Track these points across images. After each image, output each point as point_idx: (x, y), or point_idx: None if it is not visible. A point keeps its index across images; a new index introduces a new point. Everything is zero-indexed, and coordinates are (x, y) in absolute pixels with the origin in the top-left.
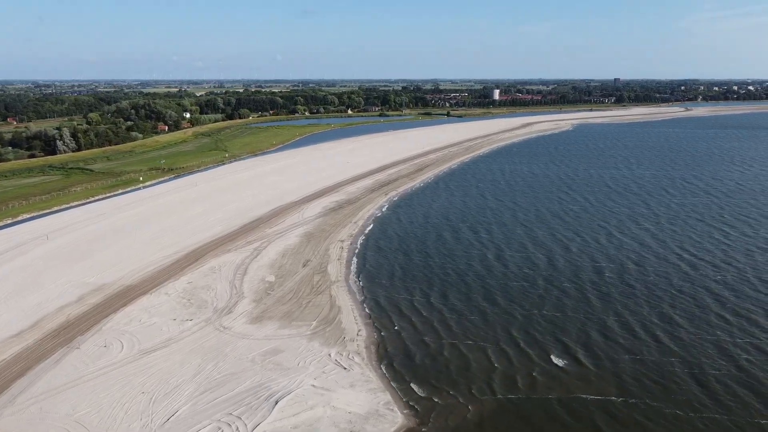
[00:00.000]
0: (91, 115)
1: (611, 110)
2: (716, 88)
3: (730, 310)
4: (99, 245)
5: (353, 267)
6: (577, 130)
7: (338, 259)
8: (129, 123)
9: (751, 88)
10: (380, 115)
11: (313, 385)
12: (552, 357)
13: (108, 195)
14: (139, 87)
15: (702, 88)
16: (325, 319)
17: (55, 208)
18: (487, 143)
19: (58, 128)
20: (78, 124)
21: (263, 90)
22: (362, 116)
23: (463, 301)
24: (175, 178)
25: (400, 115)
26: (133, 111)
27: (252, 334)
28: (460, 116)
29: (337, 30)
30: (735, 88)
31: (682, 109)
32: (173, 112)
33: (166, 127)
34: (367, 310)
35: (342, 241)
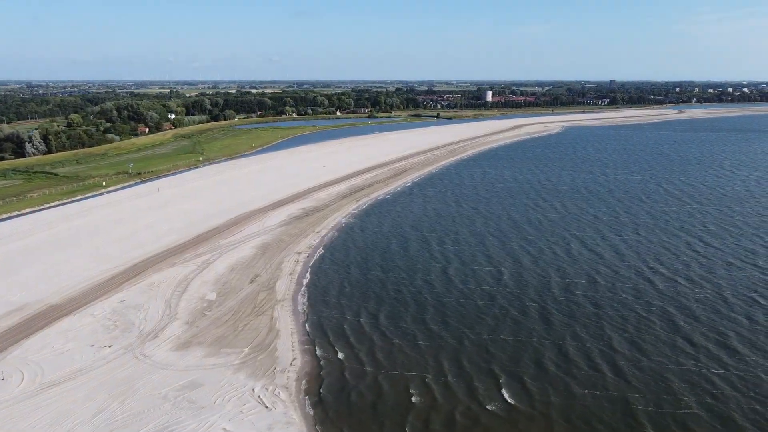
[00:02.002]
0: (71, 116)
1: (604, 112)
2: (711, 90)
3: (701, 334)
4: (32, 259)
5: (305, 283)
6: (566, 133)
7: (290, 274)
8: (107, 125)
9: (745, 89)
10: (369, 117)
11: (225, 429)
12: (499, 392)
13: (65, 201)
14: (132, 87)
15: (697, 89)
16: (260, 346)
17: (3, 216)
18: (472, 146)
19: (34, 130)
20: (59, 126)
21: (252, 91)
22: (351, 118)
23: (414, 323)
24: (141, 182)
25: (390, 117)
26: (115, 112)
27: (173, 363)
28: (450, 118)
29: (333, 31)
30: (730, 89)
31: (676, 111)
32: (155, 114)
33: (147, 129)
34: (308, 334)
35: (299, 253)
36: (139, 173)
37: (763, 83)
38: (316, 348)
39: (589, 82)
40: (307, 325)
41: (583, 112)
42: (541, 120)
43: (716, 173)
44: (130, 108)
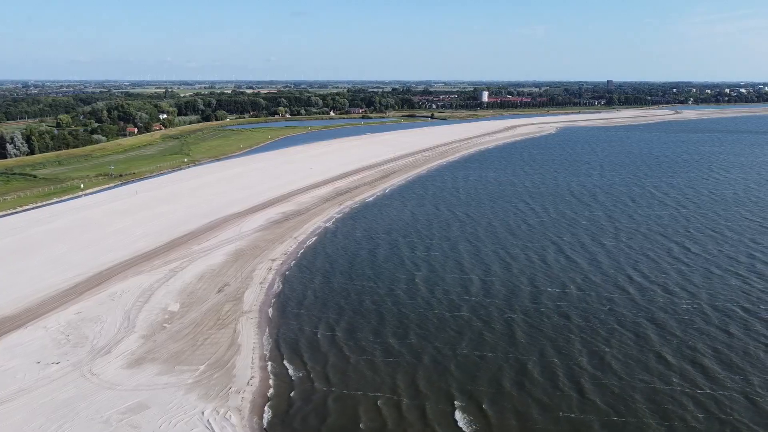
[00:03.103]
0: (61, 116)
1: (600, 113)
2: (708, 91)
3: (674, 350)
4: None
5: (275, 293)
6: (560, 134)
7: (261, 283)
8: (95, 125)
9: (742, 90)
10: (363, 117)
11: None
12: (452, 417)
13: (40, 204)
14: (128, 87)
15: (694, 90)
16: (218, 362)
17: None
18: (464, 147)
19: (19, 130)
20: (48, 126)
21: (247, 91)
22: (344, 118)
23: (384, 336)
24: (122, 184)
25: (384, 118)
26: (106, 113)
27: (122, 382)
28: (444, 118)
29: (330, 32)
30: (727, 90)
31: (672, 111)
32: (144, 114)
33: (136, 130)
34: (272, 349)
35: (273, 260)
36: (120, 175)
37: (760, 84)
38: (278, 365)
39: (586, 82)
40: (271, 339)
41: (579, 112)
42: (536, 121)
43: (706, 176)
44: (120, 108)
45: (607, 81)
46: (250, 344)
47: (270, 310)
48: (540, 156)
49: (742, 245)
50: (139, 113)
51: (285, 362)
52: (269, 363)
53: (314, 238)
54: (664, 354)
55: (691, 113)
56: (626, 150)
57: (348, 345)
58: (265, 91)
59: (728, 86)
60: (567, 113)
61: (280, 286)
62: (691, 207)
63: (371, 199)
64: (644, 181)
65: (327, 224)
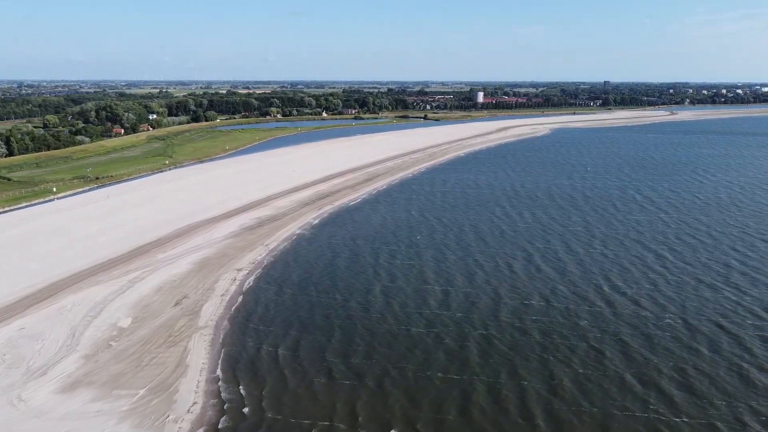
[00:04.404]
0: (48, 117)
1: (595, 114)
2: (705, 92)
3: (655, 369)
4: None
5: (235, 306)
6: (552, 136)
7: (222, 295)
8: (80, 126)
9: (739, 91)
10: (355, 118)
11: None
12: None
13: (7, 209)
14: (124, 88)
15: (690, 91)
16: (160, 386)
17: None
18: (454, 149)
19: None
20: (35, 127)
21: (242, 92)
22: (336, 119)
23: (343, 357)
24: (97, 187)
25: (377, 118)
26: (94, 113)
27: (50, 410)
28: (437, 119)
29: (328, 32)
30: (724, 91)
31: (667, 112)
32: (131, 115)
33: (122, 131)
34: (221, 371)
35: (239, 270)
36: (97, 178)
37: (757, 85)
38: (226, 389)
39: (583, 83)
40: (223, 359)
41: (574, 113)
42: (530, 122)
43: (693, 179)
44: (108, 109)
45: (604, 82)
46: (199, 365)
47: (227, 326)
48: (528, 158)
49: (734, 252)
50: (126, 114)
51: (234, 386)
52: (217, 386)
53: (286, 246)
54: (644, 373)
55: (686, 114)
56: (616, 152)
57: (310, 366)
58: (260, 92)
59: (725, 87)
60: (562, 114)
61: (242, 299)
62: (673, 212)
63: (351, 203)
64: (629, 184)
65: (301, 231)
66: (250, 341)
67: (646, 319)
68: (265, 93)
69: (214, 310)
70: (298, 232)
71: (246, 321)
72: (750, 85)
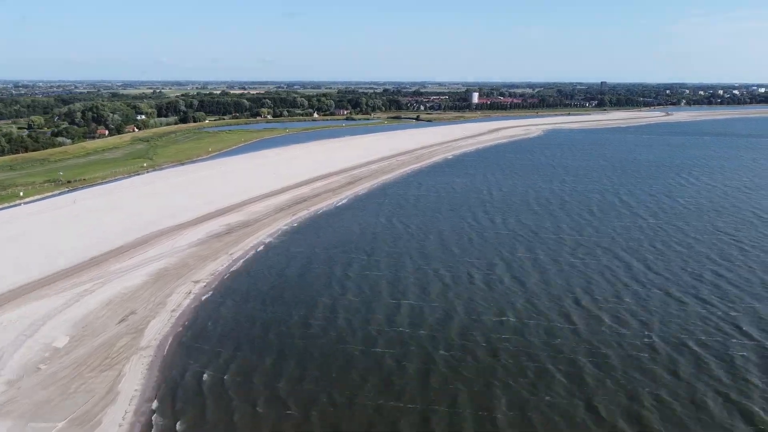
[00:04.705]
0: (33, 118)
1: (589, 114)
2: (701, 92)
3: (607, 396)
4: None
5: (186, 323)
6: (544, 137)
7: (173, 311)
8: (63, 127)
9: (736, 92)
10: (347, 119)
11: None
12: None
13: None
14: (120, 88)
15: (687, 92)
16: (83, 417)
17: None
18: (442, 151)
19: None
20: (19, 128)
21: (237, 92)
22: (328, 120)
23: (288, 382)
24: (68, 191)
25: (368, 119)
26: (80, 114)
27: None
28: (430, 120)
29: (325, 32)
30: (720, 92)
31: (663, 113)
32: (116, 116)
33: (107, 132)
34: (154, 398)
35: (197, 282)
36: (69, 181)
37: (754, 85)
38: (156, 421)
39: (581, 83)
40: (159, 385)
41: (569, 114)
42: (523, 123)
43: (683, 182)
44: (94, 110)
45: (601, 82)
46: (131, 391)
47: (172, 346)
48: (515, 161)
49: (709, 261)
50: (111, 115)
51: (167, 417)
52: (146, 418)
53: (251, 255)
54: (594, 400)
55: (681, 115)
56: (604, 154)
57: (251, 394)
58: (254, 92)
59: (722, 88)
60: (557, 115)
61: (194, 315)
62: (651, 218)
63: (328, 208)
64: (611, 188)
65: (270, 239)
66: (194, 364)
67: (623, 337)
68: (258, 93)
69: (160, 327)
70: (266, 240)
71: (194, 340)
72: (747, 86)
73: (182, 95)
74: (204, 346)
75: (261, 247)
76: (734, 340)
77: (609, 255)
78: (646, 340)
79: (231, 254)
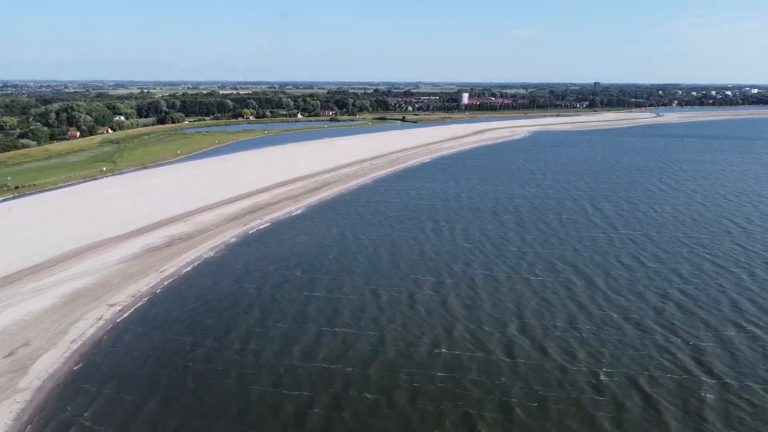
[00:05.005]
0: (5, 118)
1: (579, 115)
2: (694, 93)
3: None
4: None
5: (83, 357)
6: (529, 139)
7: (73, 341)
8: (29, 128)
9: (728, 93)
10: (331, 120)
11: None
12: None
13: None
14: (111, 88)
15: (680, 92)
16: None
17: None
18: (420, 154)
19: None
20: None
21: (216, 92)
22: (311, 121)
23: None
24: (13, 198)
25: (353, 120)
26: (54, 115)
27: None
28: (415, 122)
29: (321, 32)
30: (713, 93)
31: (653, 115)
32: (89, 117)
33: (78, 133)
34: None
35: (112, 305)
36: (17, 187)
37: (747, 86)
38: None
39: (574, 84)
40: None
41: (558, 115)
42: (510, 124)
43: (662, 187)
44: (69, 110)
45: (594, 83)
46: None
47: (56, 388)
48: (494, 164)
49: (661, 280)
50: (82, 116)
51: None
52: None
53: (185, 272)
54: None
55: (671, 116)
56: (588, 156)
57: None
58: (244, 92)
59: (716, 89)
60: (546, 116)
61: (95, 347)
62: (622, 227)
63: (284, 217)
64: (590, 193)
65: (211, 253)
66: (73, 412)
67: (545, 377)
68: (245, 94)
69: (50, 363)
70: (207, 254)
71: (83, 380)
72: (740, 87)
73: (169, 95)
74: (91, 388)
75: (198, 263)
76: (695, 381)
77: (570, 270)
78: (592, 379)
79: (162, 271)
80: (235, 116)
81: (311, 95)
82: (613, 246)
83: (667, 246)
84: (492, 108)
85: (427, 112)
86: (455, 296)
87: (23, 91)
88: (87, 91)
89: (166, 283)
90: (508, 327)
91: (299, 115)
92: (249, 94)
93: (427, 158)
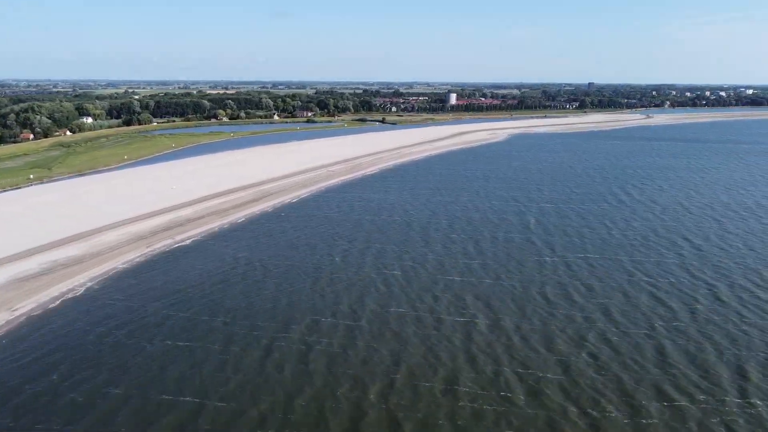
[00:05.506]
0: None
1: (566, 117)
2: (688, 94)
3: None
4: None
5: None
6: (507, 143)
7: None
8: None
9: (722, 93)
10: (308, 121)
11: None
12: None
13: None
14: (101, 87)
15: (673, 93)
16: None
17: None
18: (386, 158)
19: None
20: None
21: (192, 92)
22: (287, 122)
23: None
24: None
25: (331, 122)
26: (13, 116)
27: None
28: (394, 123)
29: (315, 32)
30: (707, 93)
31: (643, 116)
32: (45, 118)
33: (32, 136)
34: None
35: None
36: None
37: (742, 87)
38: None
39: (569, 84)
40: None
41: (545, 116)
42: (493, 126)
43: (622, 198)
44: (27, 112)
45: (588, 83)
46: None
47: None
48: (457, 171)
49: (586, 323)
50: (38, 117)
51: None
52: None
53: (46, 309)
54: None
55: (661, 118)
56: (564, 163)
57: None
58: (233, 91)
59: (710, 89)
60: (532, 117)
61: None
62: (560, 248)
63: (197, 237)
64: (535, 206)
65: (91, 283)
66: None
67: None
68: (225, 93)
69: None
70: (87, 284)
71: None
72: (735, 87)
73: (148, 95)
74: None
75: (69, 296)
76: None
77: (479, 307)
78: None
79: (14, 310)
80: (209, 117)
81: (292, 96)
82: (543, 273)
83: (604, 273)
84: (479, 109)
85: (411, 113)
86: (337, 345)
87: (6, 91)
88: (73, 90)
89: (11, 325)
90: (369, 389)
91: (275, 117)
92: (230, 94)
93: (390, 164)
